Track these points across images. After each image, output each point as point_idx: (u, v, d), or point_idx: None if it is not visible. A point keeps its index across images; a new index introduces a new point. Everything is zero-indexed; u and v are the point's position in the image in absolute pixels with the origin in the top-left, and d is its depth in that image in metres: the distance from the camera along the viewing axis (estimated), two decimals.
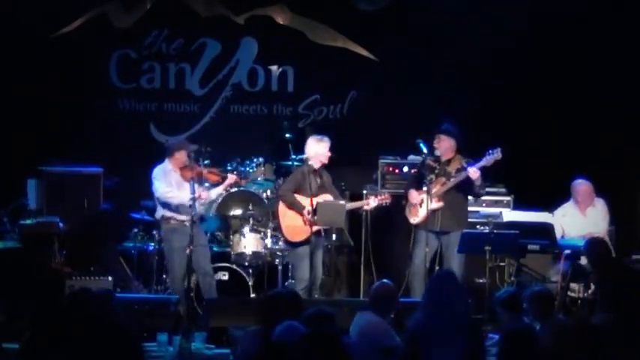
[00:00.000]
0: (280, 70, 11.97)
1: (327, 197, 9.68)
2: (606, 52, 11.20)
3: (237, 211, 10.61)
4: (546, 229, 9.62)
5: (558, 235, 9.81)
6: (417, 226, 9.67)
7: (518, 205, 10.64)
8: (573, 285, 9.49)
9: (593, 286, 9.13)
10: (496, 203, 10.71)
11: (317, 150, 9.69)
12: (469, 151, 9.70)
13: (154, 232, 10.28)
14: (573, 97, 11.44)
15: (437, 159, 9.67)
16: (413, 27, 11.54)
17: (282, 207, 9.69)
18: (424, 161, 9.76)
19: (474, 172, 9.37)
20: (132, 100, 11.87)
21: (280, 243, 10.24)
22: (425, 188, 9.53)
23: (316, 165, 9.71)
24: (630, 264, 9.42)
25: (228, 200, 10.65)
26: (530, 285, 9.22)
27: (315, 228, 9.53)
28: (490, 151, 9.41)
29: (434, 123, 9.83)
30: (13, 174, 10.85)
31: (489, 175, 9.87)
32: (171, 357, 8.07)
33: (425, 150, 9.72)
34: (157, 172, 9.66)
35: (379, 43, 11.78)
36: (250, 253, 10.19)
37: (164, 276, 10.09)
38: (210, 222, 10.50)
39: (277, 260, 10.22)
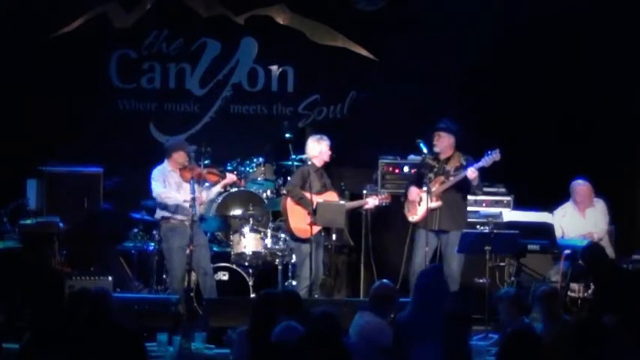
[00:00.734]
0: (280, 70, 11.97)
1: (331, 195, 9.72)
2: (607, 51, 11.20)
3: (237, 211, 10.60)
4: (546, 229, 9.62)
5: (558, 235, 9.81)
6: (415, 224, 9.67)
7: (518, 205, 10.63)
8: (573, 285, 9.50)
9: (593, 286, 9.14)
10: (496, 203, 10.71)
11: (319, 149, 9.75)
12: (470, 151, 9.70)
13: (154, 232, 10.28)
14: (573, 97, 11.44)
15: (436, 157, 9.67)
16: (413, 27, 11.53)
17: (289, 202, 9.70)
18: (423, 160, 9.77)
19: (471, 173, 9.38)
20: (132, 100, 11.87)
21: (280, 243, 10.25)
22: (425, 187, 9.54)
23: (318, 164, 9.77)
24: (627, 266, 9.45)
25: (228, 200, 10.65)
26: (532, 285, 9.25)
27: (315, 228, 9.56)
28: (489, 152, 9.42)
29: (433, 123, 9.83)
30: (13, 174, 10.85)
31: (489, 175, 9.87)
32: (171, 357, 8.07)
33: (425, 150, 9.72)
34: (156, 173, 9.66)
35: (379, 43, 11.79)
36: (250, 253, 10.19)
37: (164, 276, 10.09)
38: (210, 222, 10.49)
39: (277, 260, 10.22)
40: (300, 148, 9.99)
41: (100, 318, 5.76)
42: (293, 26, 11.88)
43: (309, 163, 9.76)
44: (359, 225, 10.68)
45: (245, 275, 10.16)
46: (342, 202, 9.88)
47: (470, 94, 11.31)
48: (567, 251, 9.39)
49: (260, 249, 10.22)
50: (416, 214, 9.66)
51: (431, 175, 9.59)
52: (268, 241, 10.26)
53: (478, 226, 9.99)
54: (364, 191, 10.55)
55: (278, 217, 10.49)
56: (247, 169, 10.73)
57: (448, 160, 9.64)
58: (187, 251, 9.22)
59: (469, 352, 6.20)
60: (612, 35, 11.14)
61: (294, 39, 11.82)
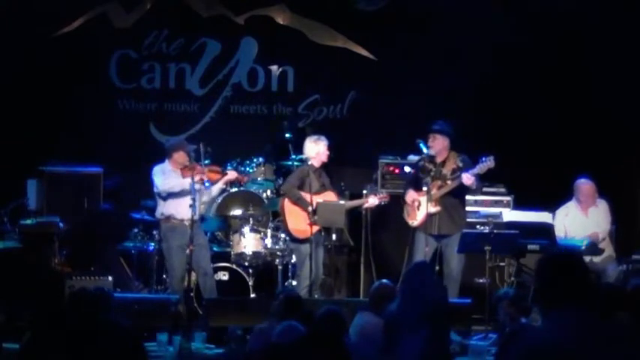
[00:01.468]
0: (280, 70, 11.97)
1: (330, 195, 9.72)
2: (607, 51, 11.20)
3: (237, 211, 10.60)
4: (546, 229, 9.62)
5: (561, 234, 9.81)
6: (415, 228, 9.66)
7: (518, 205, 10.63)
8: None
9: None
10: (496, 203, 10.71)
11: (317, 150, 9.74)
12: (470, 151, 9.69)
13: (154, 232, 10.28)
14: (574, 97, 11.43)
15: (432, 159, 9.63)
16: (413, 27, 11.53)
17: (287, 203, 9.71)
18: (418, 163, 9.72)
19: (467, 179, 9.34)
20: (132, 100, 11.87)
21: (280, 243, 10.25)
22: (425, 189, 9.52)
23: (316, 164, 9.77)
24: (627, 266, 9.45)
25: (228, 200, 10.65)
26: (532, 285, 9.24)
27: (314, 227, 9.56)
28: (483, 159, 9.35)
29: (433, 123, 9.82)
30: (13, 174, 10.85)
31: (489, 175, 9.85)
32: (172, 357, 8.06)
33: (425, 150, 9.69)
34: (157, 170, 9.67)
35: (379, 43, 11.78)
36: (250, 253, 10.19)
37: (164, 276, 10.09)
38: (210, 222, 10.49)
39: (277, 260, 10.23)
40: (300, 148, 9.99)
41: (100, 318, 5.75)
42: (293, 26, 11.88)
43: (309, 163, 9.76)
44: (359, 225, 10.68)
45: (245, 275, 10.16)
46: (342, 202, 9.88)
47: (470, 94, 11.30)
48: None
49: (260, 249, 10.22)
50: (415, 218, 9.65)
51: (428, 179, 9.55)
52: (268, 241, 10.26)
53: (478, 226, 9.98)
54: (364, 191, 10.53)
55: (278, 217, 10.48)
56: (247, 169, 10.73)
57: (444, 163, 9.61)
58: (187, 251, 9.22)
59: (449, 343, 6.31)
60: (612, 35, 11.14)
61: (294, 39, 11.82)
